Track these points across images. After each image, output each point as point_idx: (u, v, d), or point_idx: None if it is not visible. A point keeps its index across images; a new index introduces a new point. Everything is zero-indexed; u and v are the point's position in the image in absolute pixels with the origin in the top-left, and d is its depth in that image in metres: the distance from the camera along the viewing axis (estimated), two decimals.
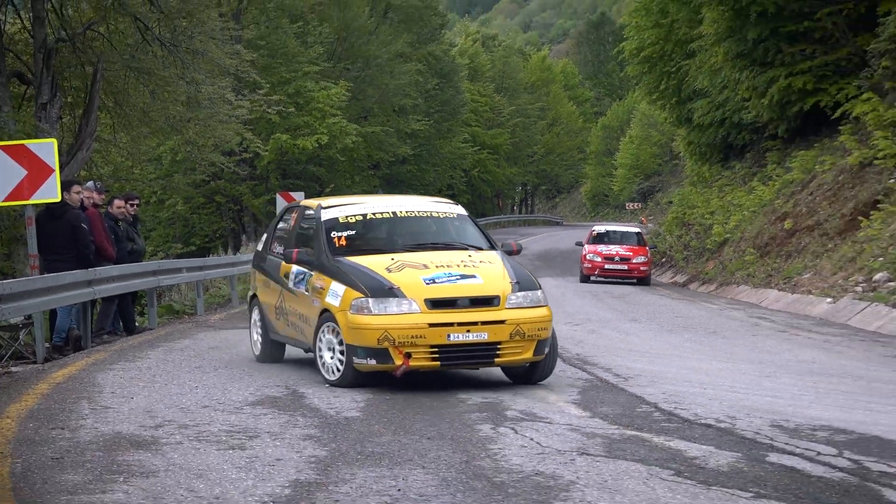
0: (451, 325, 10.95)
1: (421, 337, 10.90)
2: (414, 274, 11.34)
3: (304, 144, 41.66)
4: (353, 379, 11.23)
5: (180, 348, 15.31)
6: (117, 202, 17.98)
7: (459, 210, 13.25)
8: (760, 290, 25.62)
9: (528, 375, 11.66)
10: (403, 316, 10.97)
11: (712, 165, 43.67)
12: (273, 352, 13.59)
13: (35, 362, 14.45)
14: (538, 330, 11.26)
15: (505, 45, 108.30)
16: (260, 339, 13.70)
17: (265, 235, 14.48)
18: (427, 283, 11.18)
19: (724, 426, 9.47)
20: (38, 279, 14.46)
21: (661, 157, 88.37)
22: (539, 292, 11.53)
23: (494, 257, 12.07)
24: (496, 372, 12.31)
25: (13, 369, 13.84)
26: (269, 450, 8.39)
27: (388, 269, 11.44)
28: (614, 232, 35.80)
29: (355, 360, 11.11)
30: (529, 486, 7.30)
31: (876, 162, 25.14)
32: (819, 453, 8.31)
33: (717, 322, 20.70)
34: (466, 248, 12.29)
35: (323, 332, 11.58)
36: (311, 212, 12.99)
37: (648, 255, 33.93)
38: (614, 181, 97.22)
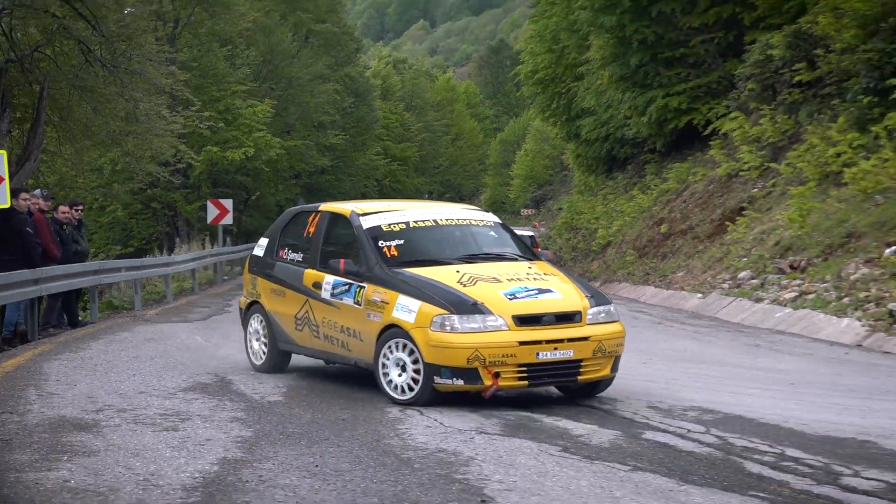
0: (539, 342, 9.44)
1: (512, 356, 9.35)
2: (491, 288, 9.78)
3: (232, 156, 41.34)
4: (429, 399, 9.56)
5: (119, 340, 15.17)
6: (62, 208, 17.78)
7: (494, 218, 11.70)
8: (639, 286, 25.78)
9: (589, 389, 10.18)
10: (493, 333, 9.41)
11: (598, 176, 43.81)
12: (279, 362, 11.86)
13: None
14: (616, 346, 9.97)
15: (414, 68, 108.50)
16: (264, 348, 11.89)
17: (265, 241, 12.32)
18: (510, 299, 9.65)
19: (606, 408, 9.60)
20: None
21: (553, 168, 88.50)
22: (612, 307, 10.21)
23: (552, 269, 10.65)
24: None
25: None
26: (199, 431, 8.36)
27: (462, 283, 9.86)
28: None
29: (437, 379, 9.45)
30: (433, 462, 7.35)
31: (742, 173, 25.51)
32: (689, 431, 8.44)
33: None
34: (517, 259, 10.83)
35: (390, 348, 9.85)
36: (345, 218, 11.15)
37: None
38: (511, 190, 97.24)
